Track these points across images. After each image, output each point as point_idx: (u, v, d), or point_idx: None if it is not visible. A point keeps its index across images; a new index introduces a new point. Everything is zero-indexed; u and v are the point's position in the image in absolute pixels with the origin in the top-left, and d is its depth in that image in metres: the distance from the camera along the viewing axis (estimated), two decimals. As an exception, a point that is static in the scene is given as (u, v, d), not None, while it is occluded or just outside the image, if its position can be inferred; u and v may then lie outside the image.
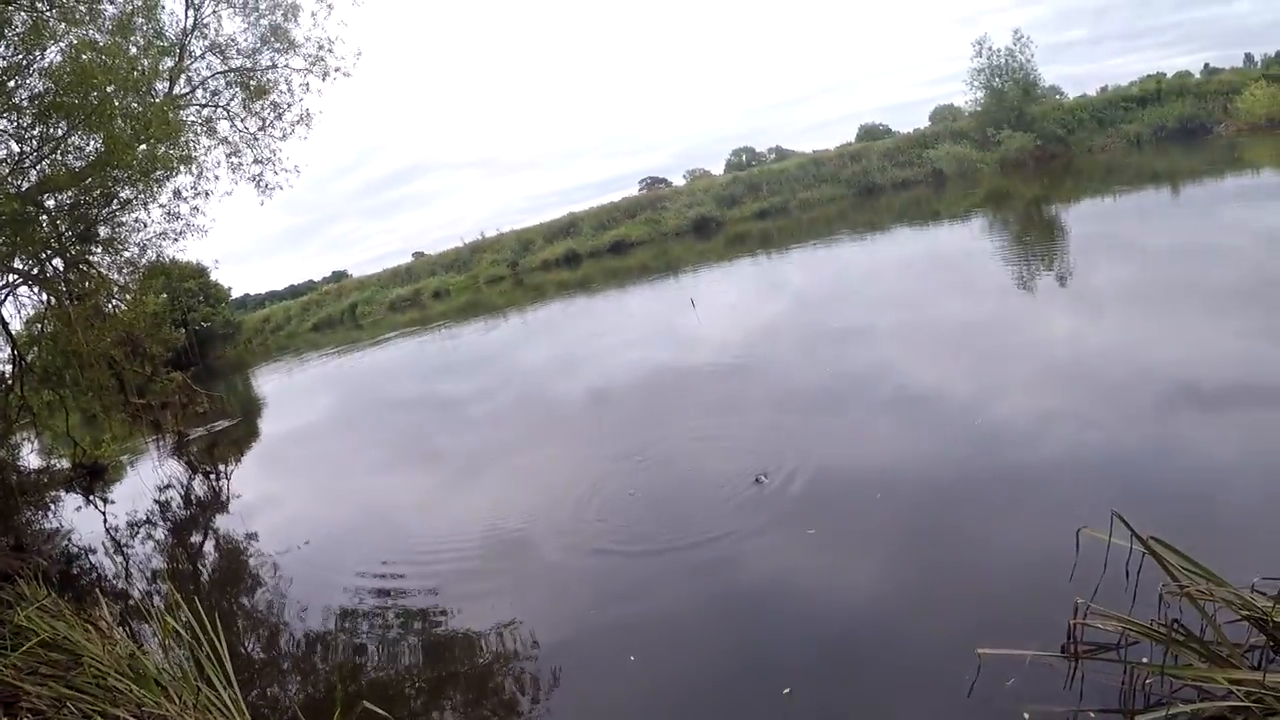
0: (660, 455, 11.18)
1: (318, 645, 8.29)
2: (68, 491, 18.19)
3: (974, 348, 12.26)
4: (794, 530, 8.00)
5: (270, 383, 36.32)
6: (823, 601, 6.80)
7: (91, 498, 17.76)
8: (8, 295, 16.09)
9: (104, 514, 16.12)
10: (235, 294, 60.99)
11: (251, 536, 12.79)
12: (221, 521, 14.63)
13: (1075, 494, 6.92)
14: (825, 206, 42.50)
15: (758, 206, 49.38)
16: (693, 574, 7.69)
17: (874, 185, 45.87)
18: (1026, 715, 4.73)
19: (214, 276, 52.10)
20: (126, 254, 17.82)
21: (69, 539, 14.34)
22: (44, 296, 16.49)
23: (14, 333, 16.78)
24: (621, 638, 6.95)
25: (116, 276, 17.80)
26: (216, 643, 6.72)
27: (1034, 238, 20.58)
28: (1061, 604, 5.11)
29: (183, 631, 7.07)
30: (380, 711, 5.00)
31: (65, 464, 19.78)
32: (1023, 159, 41.17)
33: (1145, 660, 4.60)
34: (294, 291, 70.60)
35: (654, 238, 50.11)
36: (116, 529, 14.66)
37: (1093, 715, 4.64)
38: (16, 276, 15.86)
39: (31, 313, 17.32)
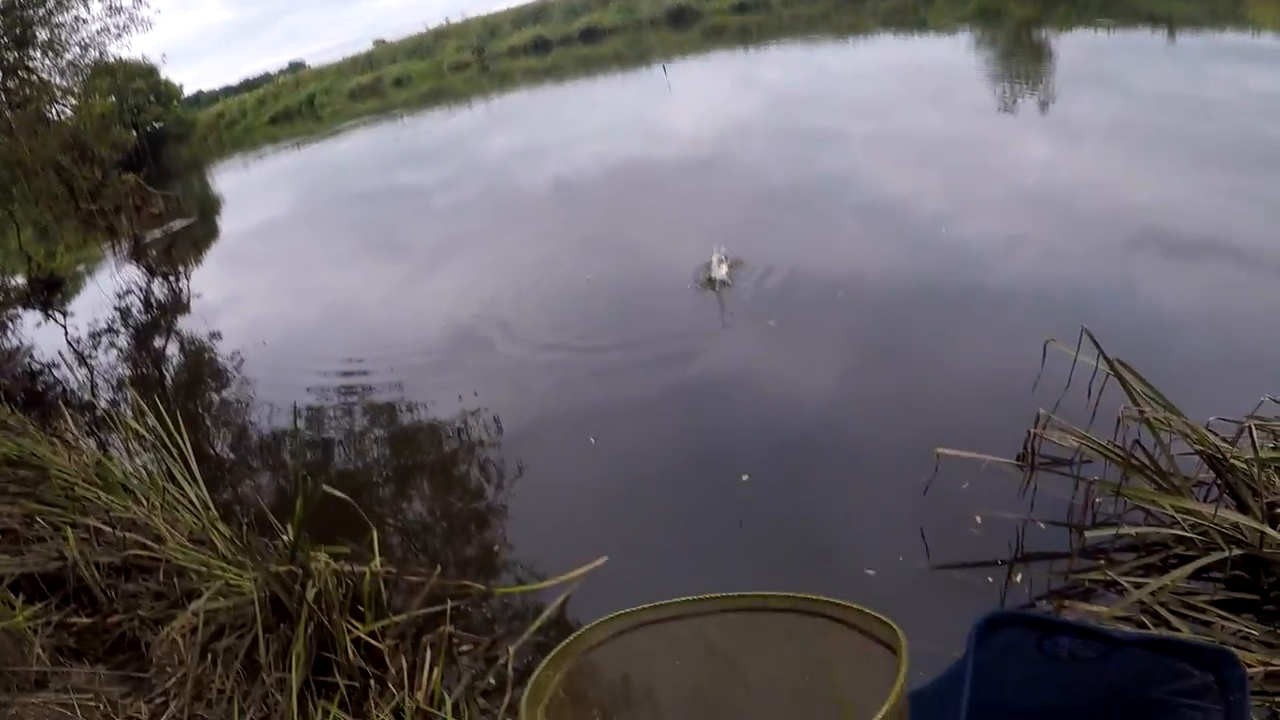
0: (624, 246, 11.13)
1: (283, 440, 8.26)
2: (26, 308, 17.86)
3: (947, 163, 11.87)
4: (755, 323, 8.01)
5: (227, 180, 35.47)
6: (782, 395, 6.79)
7: (50, 312, 17.45)
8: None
9: (64, 327, 15.87)
10: (188, 92, 58.16)
11: (214, 336, 12.60)
12: (183, 323, 14.47)
13: (1040, 315, 6.79)
14: (808, 5, 40.37)
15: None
16: (653, 364, 7.69)
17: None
18: (979, 518, 4.78)
19: (164, 75, 50.02)
20: (68, 56, 17.12)
21: (30, 355, 14.17)
22: (-18, 106, 15.84)
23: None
24: (582, 423, 6.96)
25: (59, 80, 17.10)
26: (182, 444, 6.69)
27: (1021, 60, 19.69)
28: (1020, 416, 5.09)
29: (148, 435, 7.01)
30: (337, 493, 4.96)
31: (20, 281, 19.38)
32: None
33: (1098, 479, 4.56)
34: (249, 85, 67.43)
35: (628, 26, 47.80)
36: (79, 340, 14.45)
37: (1042, 525, 4.68)
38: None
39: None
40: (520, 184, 17.26)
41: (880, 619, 2.12)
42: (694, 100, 22.62)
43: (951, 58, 21.00)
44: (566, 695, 2.25)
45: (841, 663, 2.09)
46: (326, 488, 4.84)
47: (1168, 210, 8.54)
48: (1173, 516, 4.18)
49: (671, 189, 13.54)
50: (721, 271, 8.71)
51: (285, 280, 15.18)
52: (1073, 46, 19.91)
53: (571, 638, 2.43)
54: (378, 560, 4.99)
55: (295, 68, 65.96)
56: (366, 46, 61.14)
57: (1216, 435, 4.29)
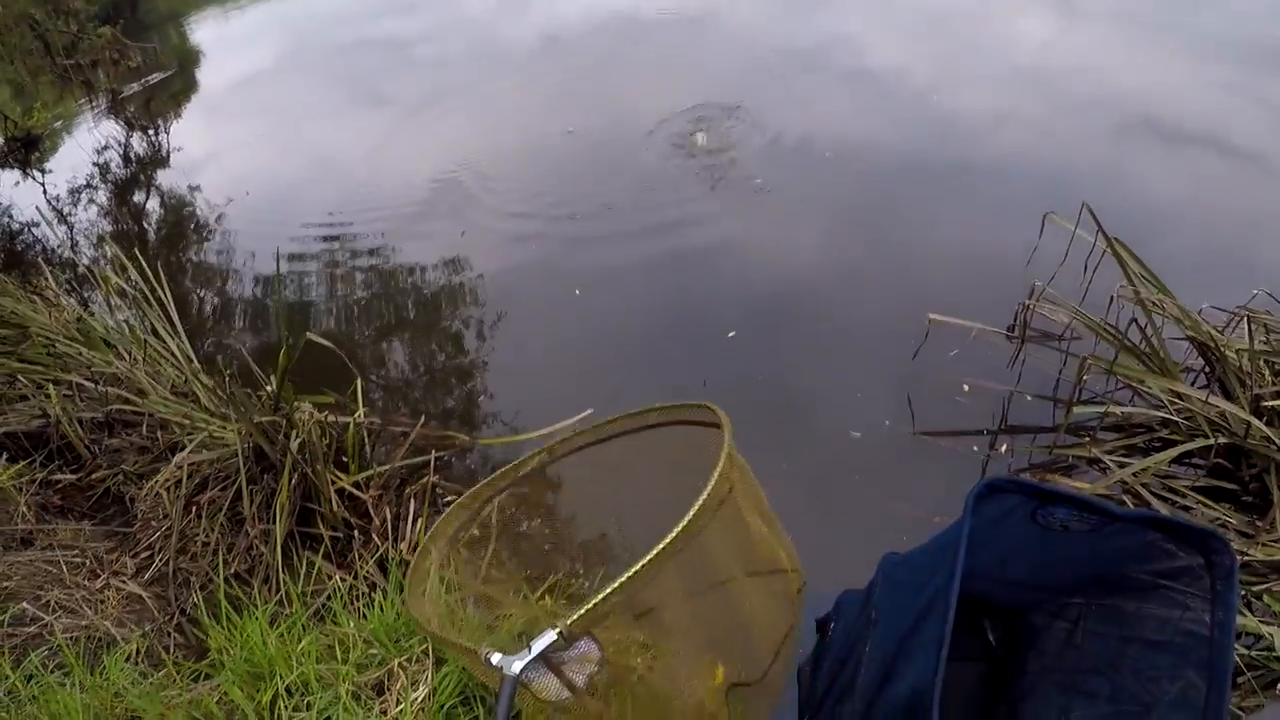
0: (608, 96, 10.91)
1: (265, 292, 8.13)
2: (2, 168, 17.56)
3: (943, 32, 11.41)
4: (742, 183, 7.80)
5: (207, 31, 34.43)
6: (772, 254, 6.69)
7: (29, 170, 17.12)
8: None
9: (43, 185, 15.53)
10: (165, -63, 56.84)
11: (195, 190, 12.33)
12: (163, 177, 14.13)
13: (1034, 192, 6.63)
14: None
15: None
16: (636, 212, 7.60)
17: None
18: (966, 386, 4.81)
19: (142, -79, 48.48)
20: (37, -100, 16.46)
21: (9, 215, 13.92)
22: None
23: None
24: (566, 279, 6.88)
25: (28, -71, 16.50)
26: (163, 297, 6.59)
27: None
28: (1013, 289, 5.10)
29: (129, 290, 6.92)
30: (322, 340, 4.88)
31: (-2, 141, 19.02)
32: None
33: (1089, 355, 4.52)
34: (227, -70, 65.68)
35: None
36: (58, 198, 14.16)
37: (1029, 398, 4.71)
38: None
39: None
40: (504, 34, 16.80)
41: (700, 405, 2.33)
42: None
43: None
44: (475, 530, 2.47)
45: (679, 449, 2.28)
46: (311, 335, 4.76)
47: (1165, 98, 8.38)
48: (1160, 399, 4.22)
49: (660, 43, 13.13)
50: (701, 140, 8.56)
51: (266, 133, 14.81)
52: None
53: (440, 520, 2.55)
54: (361, 411, 4.95)
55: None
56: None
57: (1208, 323, 4.33)
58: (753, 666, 2.31)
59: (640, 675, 2.11)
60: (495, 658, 1.86)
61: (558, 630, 1.82)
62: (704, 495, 1.91)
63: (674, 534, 1.83)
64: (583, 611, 1.78)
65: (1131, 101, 8.36)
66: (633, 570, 1.79)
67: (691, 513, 1.87)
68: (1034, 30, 11.12)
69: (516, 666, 1.83)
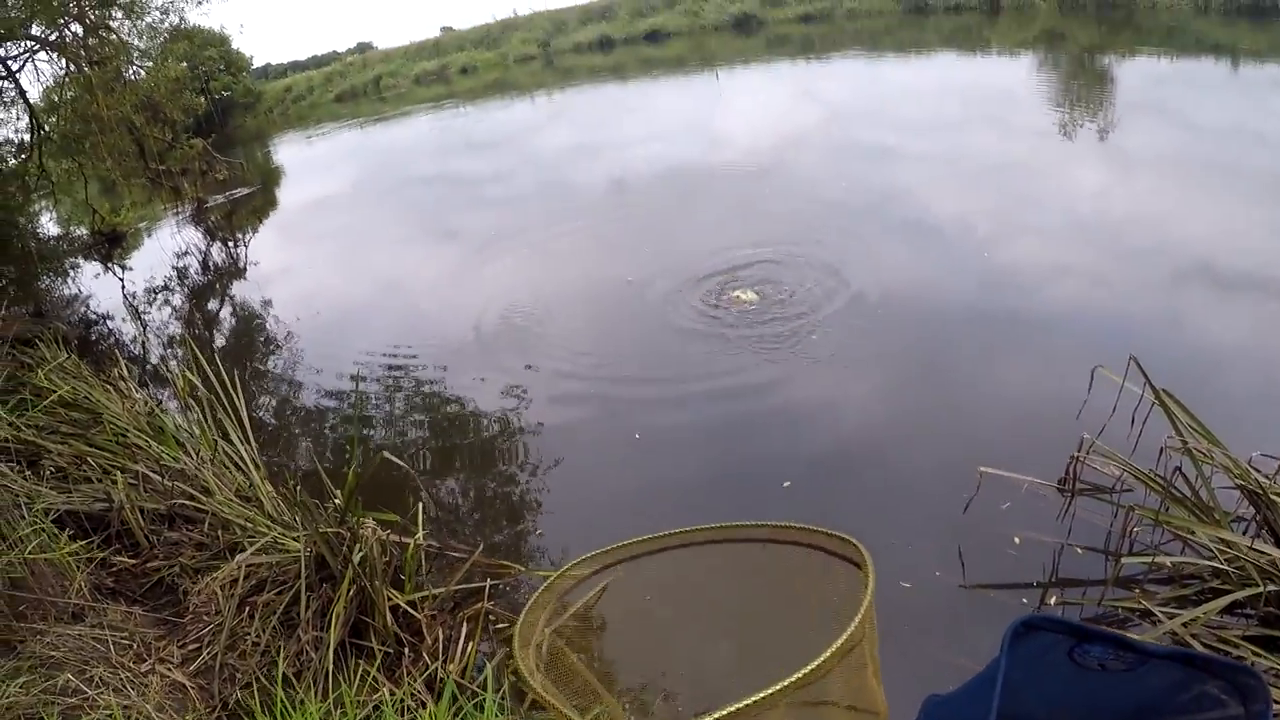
0: (673, 250, 11.08)
1: (328, 410, 8.37)
2: (86, 259, 18.16)
3: (1001, 186, 11.87)
4: (799, 335, 7.99)
5: (290, 153, 35.84)
6: (825, 409, 6.83)
7: (110, 265, 17.74)
8: (26, 63, 15.77)
9: (122, 280, 16.13)
10: (257, 63, 59.22)
11: (267, 304, 12.80)
12: (238, 288, 14.65)
13: (1086, 344, 6.78)
14: (872, 19, 40.01)
15: (802, 10, 45.33)
16: (694, 366, 7.79)
17: (925, 3, 42.78)
18: (1017, 540, 4.81)
19: (235, 45, 50.94)
20: (147, 19, 17.43)
21: (87, 305, 14.38)
22: (63, 63, 16.14)
23: (32, 101, 16.46)
24: (626, 422, 7.07)
25: (137, 42, 17.42)
26: (235, 403, 6.79)
27: (1082, 86, 19.50)
28: (1063, 441, 5.10)
29: (201, 389, 7.14)
30: (397, 460, 5.03)
31: (84, 232, 19.73)
32: (1083, 1, 38.45)
33: (1138, 507, 4.56)
34: (317, 62, 68.06)
35: (692, 30, 47.47)
36: (135, 295, 14.68)
37: (1080, 550, 4.71)
38: (34, 43, 15.50)
39: (50, 81, 17.03)
40: (572, 179, 17.37)
41: (844, 538, 2.28)
42: (753, 108, 22.60)
43: (1013, 80, 20.77)
44: (554, 634, 2.45)
45: (810, 580, 2.28)
46: (387, 454, 4.90)
47: (1220, 244, 8.48)
48: (1210, 549, 4.15)
49: (721, 194, 13.54)
50: (749, 295, 8.75)
51: (339, 256, 15.34)
52: (1135, 74, 19.69)
53: (554, 576, 2.54)
54: (422, 533, 5.06)
55: (363, 48, 66.66)
56: (434, 33, 61.58)
57: (1258, 471, 4.27)
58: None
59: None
60: None
61: None
62: (842, 639, 2.04)
63: (800, 674, 1.92)
64: (729, 712, 1.87)
65: (1183, 247, 8.54)
66: (745, 702, 1.88)
67: (822, 658, 1.96)
68: (1087, 180, 11.41)
69: None
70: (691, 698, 2.17)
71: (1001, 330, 7.61)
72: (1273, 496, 4.07)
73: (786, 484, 5.76)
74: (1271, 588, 3.84)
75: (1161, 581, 4.37)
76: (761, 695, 1.89)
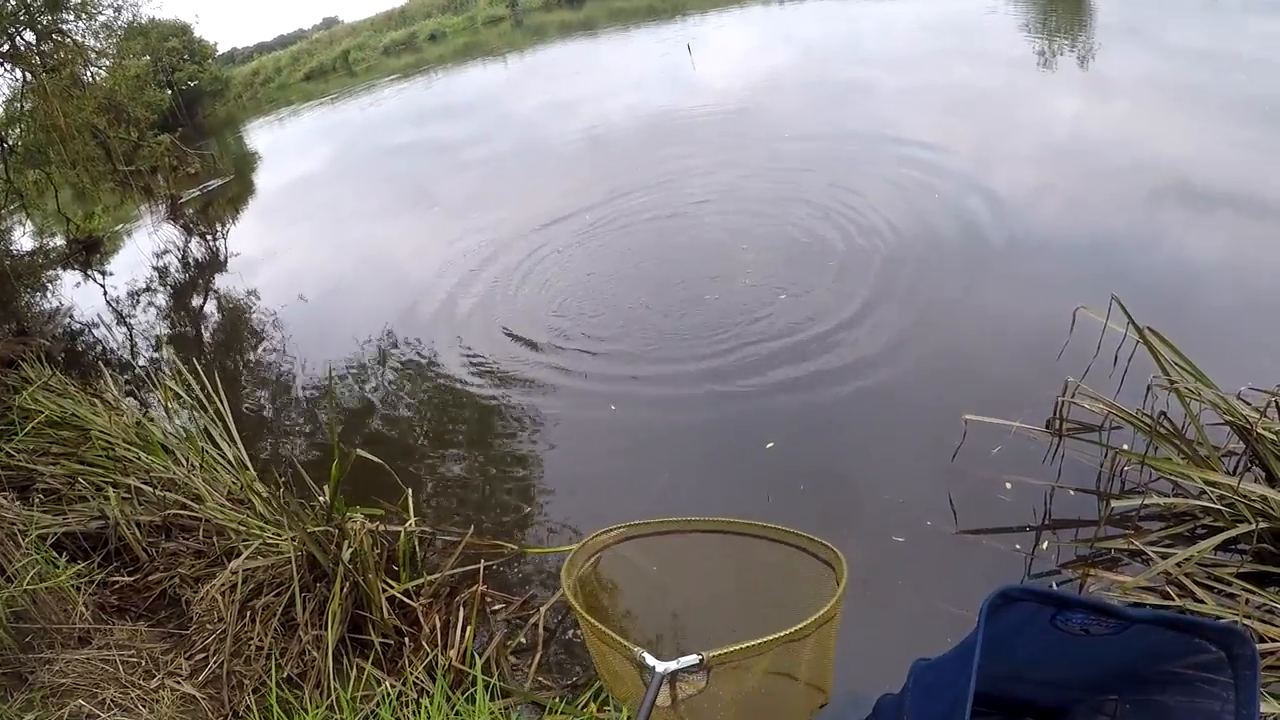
0: (652, 204, 11.03)
1: (317, 400, 8.37)
2: (65, 269, 18.07)
3: (979, 116, 11.66)
4: (770, 279, 7.98)
5: (263, 137, 35.60)
6: (805, 356, 6.70)
7: (89, 272, 17.64)
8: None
9: (103, 287, 16.05)
10: (222, 49, 58.76)
11: (251, 294, 12.74)
12: (220, 281, 14.56)
13: (1068, 276, 6.71)
14: None
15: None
16: (672, 315, 7.79)
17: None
18: (1008, 484, 4.77)
19: (197, 33, 50.38)
20: (101, 17, 17.21)
21: (70, 316, 14.32)
22: (18, 73, 15.96)
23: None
24: (608, 391, 6.99)
25: (93, 43, 17.22)
26: (220, 404, 6.79)
27: (1060, 13, 19.08)
28: (1048, 382, 5.04)
29: (185, 395, 7.12)
30: (371, 457, 5.03)
31: (59, 242, 19.63)
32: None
33: (1126, 447, 4.56)
34: (283, 42, 67.47)
35: None
36: (117, 300, 14.62)
37: (1071, 493, 4.65)
38: (-14, 57, 15.34)
39: (7, 92, 16.85)
40: (548, 136, 17.25)
41: (825, 544, 2.83)
42: (729, 52, 22.34)
43: (990, 8, 20.39)
44: (590, 576, 3.01)
45: (792, 575, 2.86)
46: (360, 451, 4.89)
47: (1199, 165, 8.28)
48: (1200, 487, 4.14)
49: (699, 139, 13.44)
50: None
51: (320, 235, 15.30)
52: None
53: (589, 537, 3.04)
54: (412, 520, 5.08)
55: (329, 23, 66.17)
56: (400, 2, 60.90)
57: (1248, 405, 4.25)
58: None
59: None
60: (649, 659, 2.48)
61: (700, 657, 2.43)
62: (825, 609, 2.55)
63: (799, 627, 2.46)
64: (721, 652, 2.42)
65: (1166, 168, 8.37)
66: (764, 640, 2.41)
67: (813, 618, 2.49)
68: (1065, 106, 11.26)
69: (670, 667, 2.44)
70: (691, 646, 2.48)
71: (980, 263, 7.48)
72: (1261, 431, 4.05)
73: (770, 444, 5.72)
74: (1263, 524, 3.84)
75: (1154, 519, 4.35)
76: (756, 641, 2.40)
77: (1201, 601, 3.63)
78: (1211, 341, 5.08)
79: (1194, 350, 4.50)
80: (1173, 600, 3.67)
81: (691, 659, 2.45)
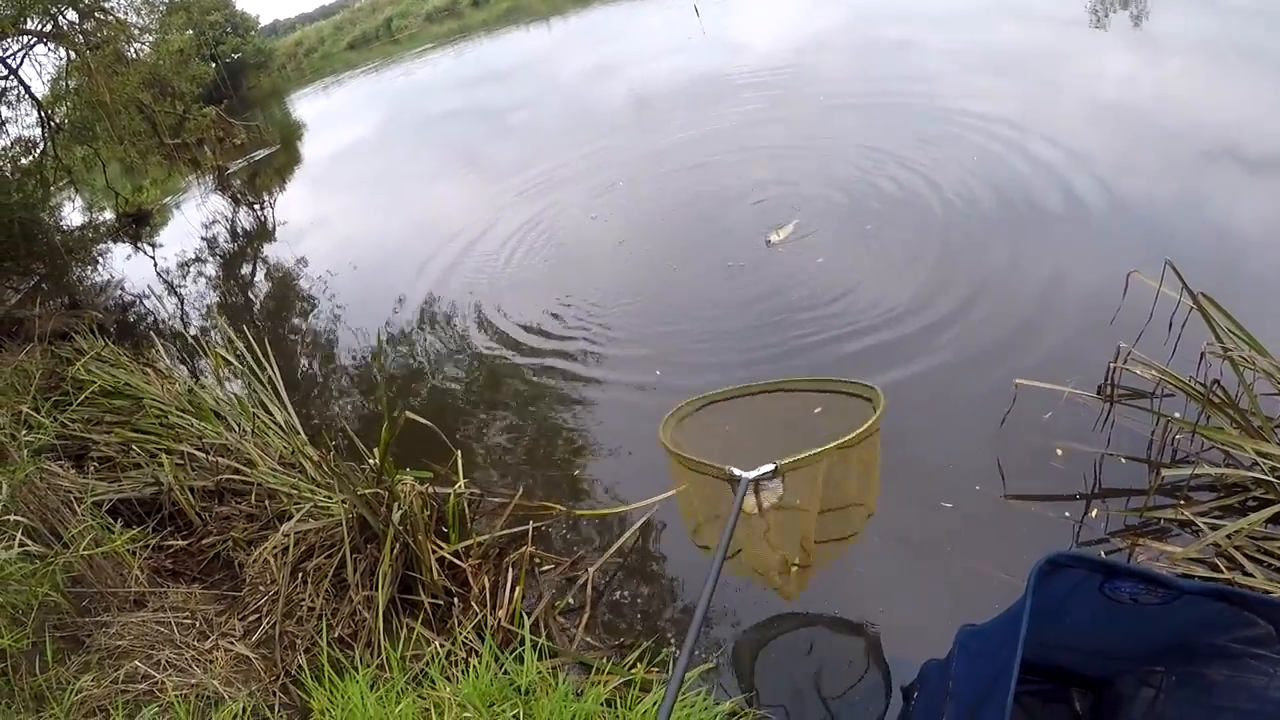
0: (690, 160, 11.01)
1: (366, 365, 8.40)
2: (115, 242, 18.29)
3: (1028, 76, 11.18)
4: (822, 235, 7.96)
5: (308, 107, 35.75)
6: (850, 309, 6.65)
7: (139, 244, 17.90)
8: (25, 58, 15.72)
9: (153, 258, 16.28)
10: (264, 21, 58.99)
11: (300, 262, 12.86)
12: (269, 250, 14.69)
13: (1121, 240, 6.53)
14: None
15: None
16: (722, 273, 7.79)
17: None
18: (1059, 451, 4.68)
19: (240, 6, 50.73)
20: (142, -7, 17.31)
21: (121, 288, 14.51)
22: (62, 52, 16.09)
23: (38, 95, 16.45)
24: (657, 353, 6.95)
25: (135, 19, 17.30)
26: (270, 370, 6.86)
27: None
28: (1100, 347, 4.94)
29: (236, 363, 7.20)
30: (420, 419, 5.06)
31: (109, 216, 19.87)
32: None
33: (1178, 415, 4.47)
34: (325, 12, 67.82)
35: None
36: (168, 271, 14.81)
37: (1122, 460, 4.55)
38: (31, 37, 15.44)
39: (53, 70, 17.01)
40: (593, 99, 17.13)
41: (863, 384, 3.58)
42: (771, 14, 22.00)
43: None
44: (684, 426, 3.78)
45: (840, 412, 3.56)
46: (410, 414, 4.92)
47: (1257, 128, 7.89)
48: (1253, 458, 4.06)
49: (742, 104, 13.24)
50: (780, 235, 8.19)
51: (368, 201, 15.35)
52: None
53: (676, 406, 3.82)
54: (462, 483, 5.10)
55: (372, -9, 65.96)
56: (443, -33, 60.68)
57: None
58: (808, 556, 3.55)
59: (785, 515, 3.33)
60: (736, 471, 3.12)
61: (775, 465, 3.09)
62: (868, 424, 3.19)
63: (849, 437, 3.11)
64: (791, 460, 3.08)
65: (1218, 135, 7.95)
66: (821, 449, 3.07)
67: (859, 430, 3.14)
68: (1116, 66, 10.88)
69: (754, 475, 3.09)
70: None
71: (1030, 224, 7.25)
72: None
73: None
74: (1317, 498, 3.72)
75: (1206, 489, 4.26)
76: (816, 450, 3.07)
77: (1251, 575, 3.58)
78: (1266, 309, 4.93)
79: (1248, 318, 4.39)
80: (1221, 573, 3.61)
81: (768, 466, 3.09)
